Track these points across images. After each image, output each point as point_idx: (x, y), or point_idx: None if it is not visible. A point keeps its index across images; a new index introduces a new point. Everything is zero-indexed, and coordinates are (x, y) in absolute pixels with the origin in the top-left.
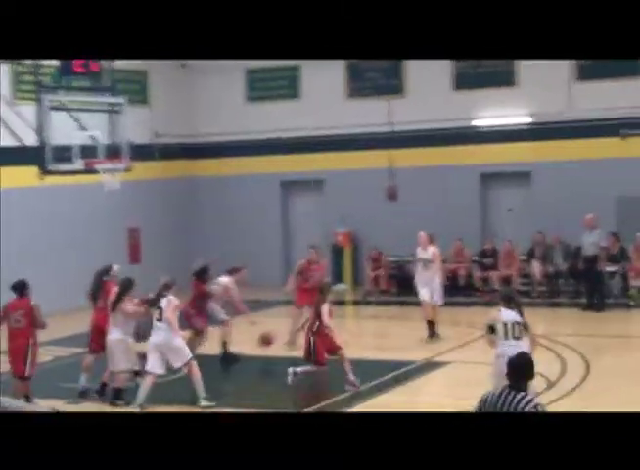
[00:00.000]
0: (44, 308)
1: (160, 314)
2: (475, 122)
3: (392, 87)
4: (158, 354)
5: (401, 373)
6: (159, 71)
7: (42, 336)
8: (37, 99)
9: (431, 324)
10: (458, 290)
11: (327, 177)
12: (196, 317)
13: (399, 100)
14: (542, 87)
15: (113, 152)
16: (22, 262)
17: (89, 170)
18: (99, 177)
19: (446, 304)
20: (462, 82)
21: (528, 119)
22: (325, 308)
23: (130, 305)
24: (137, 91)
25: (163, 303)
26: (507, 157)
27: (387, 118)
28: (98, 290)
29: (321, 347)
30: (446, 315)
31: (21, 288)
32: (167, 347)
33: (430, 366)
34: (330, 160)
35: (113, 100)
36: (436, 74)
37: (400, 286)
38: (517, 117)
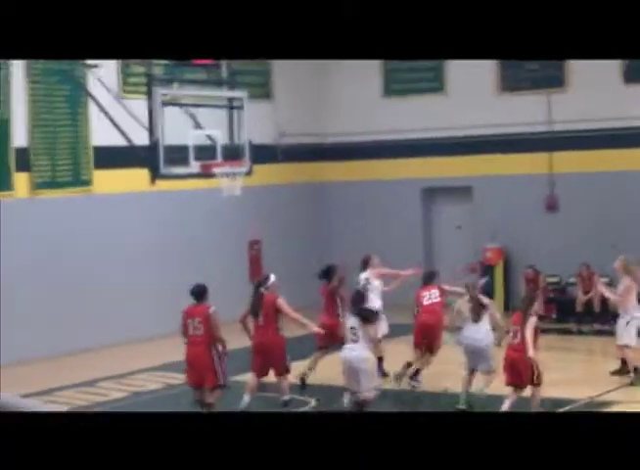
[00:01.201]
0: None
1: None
2: None
3: (553, 80)
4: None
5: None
6: (284, 61)
7: (151, 361)
8: (148, 93)
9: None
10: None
11: (476, 184)
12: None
13: (561, 95)
14: None
15: (232, 153)
16: (129, 276)
17: (206, 174)
18: (217, 182)
19: (604, 333)
20: (635, 74)
21: None
22: (531, 322)
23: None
24: (259, 84)
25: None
26: None
27: (546, 116)
28: (258, 304)
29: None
30: (612, 346)
31: (199, 293)
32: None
33: (595, 406)
34: (480, 163)
35: (232, 94)
36: (604, 65)
37: (561, 311)
38: None
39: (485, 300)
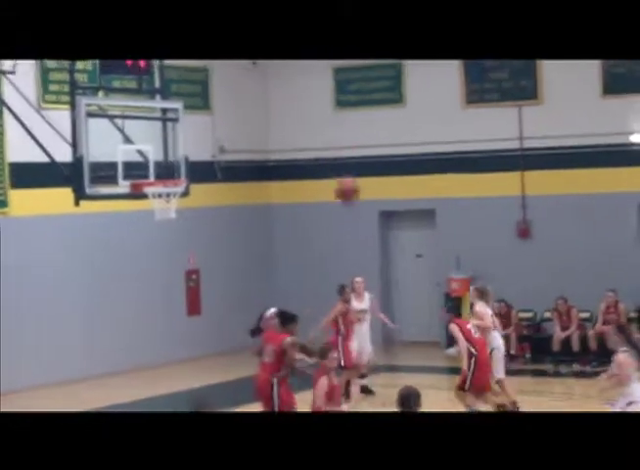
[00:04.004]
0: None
1: None
2: (633, 137)
3: (524, 91)
4: None
5: None
6: (223, 69)
7: (75, 406)
8: (71, 103)
9: None
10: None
11: (439, 207)
12: None
13: (533, 107)
14: None
15: (166, 171)
16: (50, 309)
17: (137, 194)
18: (149, 203)
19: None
20: (614, 86)
21: None
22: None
23: None
24: (196, 94)
25: None
26: None
27: (517, 132)
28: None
29: None
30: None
31: (284, 319)
32: None
33: None
34: (443, 184)
35: (166, 105)
36: (580, 75)
37: (535, 351)
38: None
39: None
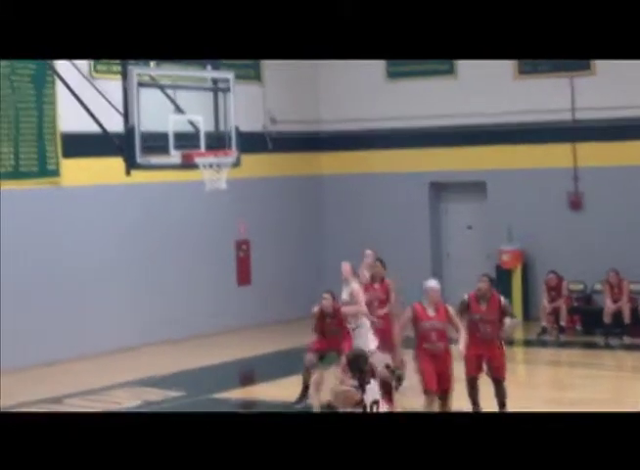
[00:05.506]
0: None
1: None
2: None
3: (577, 62)
4: None
5: None
6: None
7: (128, 374)
8: (122, 73)
9: None
10: None
11: (490, 178)
12: None
13: (586, 78)
14: None
15: (217, 141)
16: (101, 278)
17: (187, 164)
18: (199, 174)
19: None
20: None
21: None
22: None
23: None
24: (247, 64)
25: None
26: None
27: (569, 103)
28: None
29: None
30: None
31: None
32: None
33: None
34: (494, 155)
35: (217, 75)
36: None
37: (586, 323)
38: None
39: None
